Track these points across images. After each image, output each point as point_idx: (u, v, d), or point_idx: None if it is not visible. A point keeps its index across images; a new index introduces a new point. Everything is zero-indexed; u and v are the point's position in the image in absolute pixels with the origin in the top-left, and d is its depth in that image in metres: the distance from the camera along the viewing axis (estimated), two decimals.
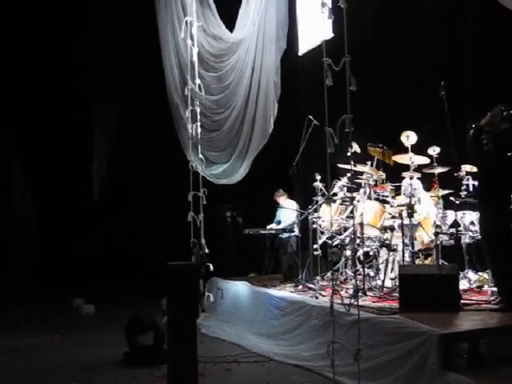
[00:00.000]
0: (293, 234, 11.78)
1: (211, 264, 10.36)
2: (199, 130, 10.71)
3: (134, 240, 14.30)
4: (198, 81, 10.95)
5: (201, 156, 10.80)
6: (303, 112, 10.16)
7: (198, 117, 10.84)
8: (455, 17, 10.93)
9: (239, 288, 10.60)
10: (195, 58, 10.97)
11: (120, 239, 14.60)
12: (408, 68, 11.58)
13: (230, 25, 12.09)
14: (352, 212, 7.89)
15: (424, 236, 9.39)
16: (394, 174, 10.09)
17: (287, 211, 12.14)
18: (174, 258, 7.37)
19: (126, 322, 8.28)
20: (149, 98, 14.02)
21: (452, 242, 9.24)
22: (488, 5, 7.89)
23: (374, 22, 12.16)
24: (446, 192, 9.63)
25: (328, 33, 6.61)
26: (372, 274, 9.41)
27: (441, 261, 8.99)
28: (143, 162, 14.59)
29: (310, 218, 9.93)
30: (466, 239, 9.28)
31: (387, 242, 9.31)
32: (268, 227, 12.39)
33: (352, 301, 6.18)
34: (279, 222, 12.36)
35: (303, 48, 12.78)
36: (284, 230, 12.01)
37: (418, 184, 9.73)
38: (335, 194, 9.89)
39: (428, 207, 9.54)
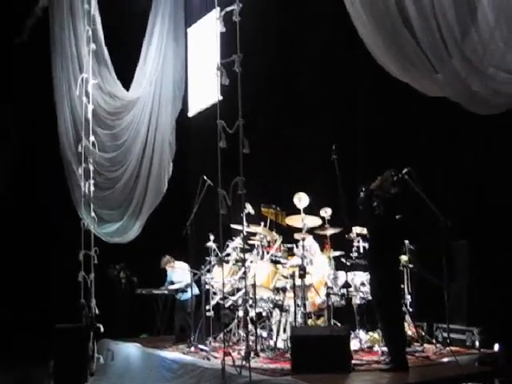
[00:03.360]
0: (188, 294, 11.64)
1: (102, 325, 10.14)
2: (92, 187, 10.61)
3: (21, 300, 13.77)
4: (92, 138, 10.89)
5: (93, 214, 10.65)
6: (197, 172, 10.18)
7: (91, 174, 10.74)
8: (347, 82, 11.27)
9: (130, 349, 10.35)
10: (90, 115, 10.93)
11: (6, 299, 14.03)
12: (302, 131, 11.81)
13: (127, 83, 12.10)
14: (244, 273, 7.89)
15: (316, 297, 9.48)
16: (288, 234, 10.20)
17: (179, 272, 11.97)
18: (64, 319, 7.19)
19: None
20: (42, 153, 13.72)
21: (343, 302, 9.36)
22: (380, 71, 8.19)
23: (267, 85, 12.36)
24: (338, 253, 9.79)
25: (218, 96, 6.71)
26: (265, 334, 9.39)
27: (332, 321, 9.09)
28: (34, 219, 14.17)
29: (202, 278, 9.88)
30: (356, 300, 9.43)
31: (279, 302, 9.34)
32: (162, 288, 12.18)
33: (244, 362, 6.15)
34: (171, 283, 12.17)
35: (193, 109, 12.88)
36: (177, 291, 11.86)
37: (314, 245, 9.89)
38: (228, 255, 9.88)
39: (323, 269, 9.67)
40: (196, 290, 10.86)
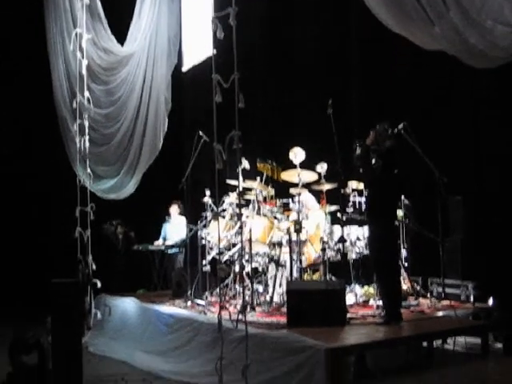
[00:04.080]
0: (179, 250, 11.77)
1: (99, 280, 10.18)
2: (87, 143, 10.56)
3: (19, 257, 13.81)
4: (86, 94, 10.81)
5: (89, 171, 10.63)
6: (192, 128, 10.14)
7: (87, 130, 10.70)
8: (341, 38, 11.21)
9: (127, 304, 10.42)
10: (84, 71, 10.84)
11: (3, 256, 14.07)
12: (297, 85, 11.76)
13: (121, 38, 11.98)
14: (240, 228, 7.90)
15: (312, 252, 9.52)
16: (284, 189, 10.21)
17: (174, 227, 12.04)
18: (61, 275, 7.19)
19: (9, 341, 7.97)
20: (36, 110, 13.63)
21: (339, 257, 9.40)
22: (373, 26, 8.13)
23: (263, 40, 12.27)
24: (333, 208, 9.81)
25: (213, 49, 6.63)
26: (261, 289, 9.45)
27: (328, 276, 9.14)
28: (30, 176, 14.13)
29: (199, 233, 9.91)
30: (352, 254, 9.48)
31: (275, 257, 9.39)
32: (155, 243, 12.26)
33: (240, 316, 6.18)
34: (165, 239, 12.26)
35: (187, 64, 12.78)
36: (173, 247, 11.94)
37: (310, 199, 9.90)
38: (224, 210, 9.89)
39: (318, 223, 9.70)
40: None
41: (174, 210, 12.26)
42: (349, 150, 8.16)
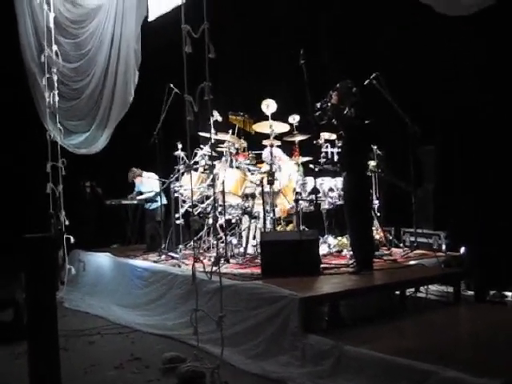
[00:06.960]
0: (157, 203, 11.73)
1: (72, 236, 10.15)
2: (57, 98, 10.43)
3: None
4: (54, 47, 10.62)
5: (59, 125, 10.52)
6: (163, 80, 10.01)
7: (56, 85, 10.55)
8: None
9: (101, 259, 10.43)
10: (52, 24, 10.65)
11: None
12: (270, 36, 11.66)
13: None
14: (213, 180, 7.88)
15: (285, 203, 9.54)
16: (257, 141, 10.20)
17: (147, 182, 11.98)
18: (33, 231, 7.13)
19: None
20: (4, 64, 13.38)
21: (312, 208, 9.44)
22: None
23: None
24: (306, 159, 9.82)
25: None
26: (235, 241, 9.48)
27: (301, 227, 9.18)
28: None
29: (171, 187, 9.87)
30: (325, 205, 9.53)
31: (249, 209, 9.40)
32: (128, 197, 12.22)
33: (214, 268, 6.19)
34: (140, 193, 12.20)
35: (154, 13, 12.49)
36: (146, 201, 11.89)
37: (279, 152, 9.89)
38: (197, 163, 9.85)
39: (291, 174, 9.70)
40: (164, 200, 10.89)
41: (138, 179, 12.20)
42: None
